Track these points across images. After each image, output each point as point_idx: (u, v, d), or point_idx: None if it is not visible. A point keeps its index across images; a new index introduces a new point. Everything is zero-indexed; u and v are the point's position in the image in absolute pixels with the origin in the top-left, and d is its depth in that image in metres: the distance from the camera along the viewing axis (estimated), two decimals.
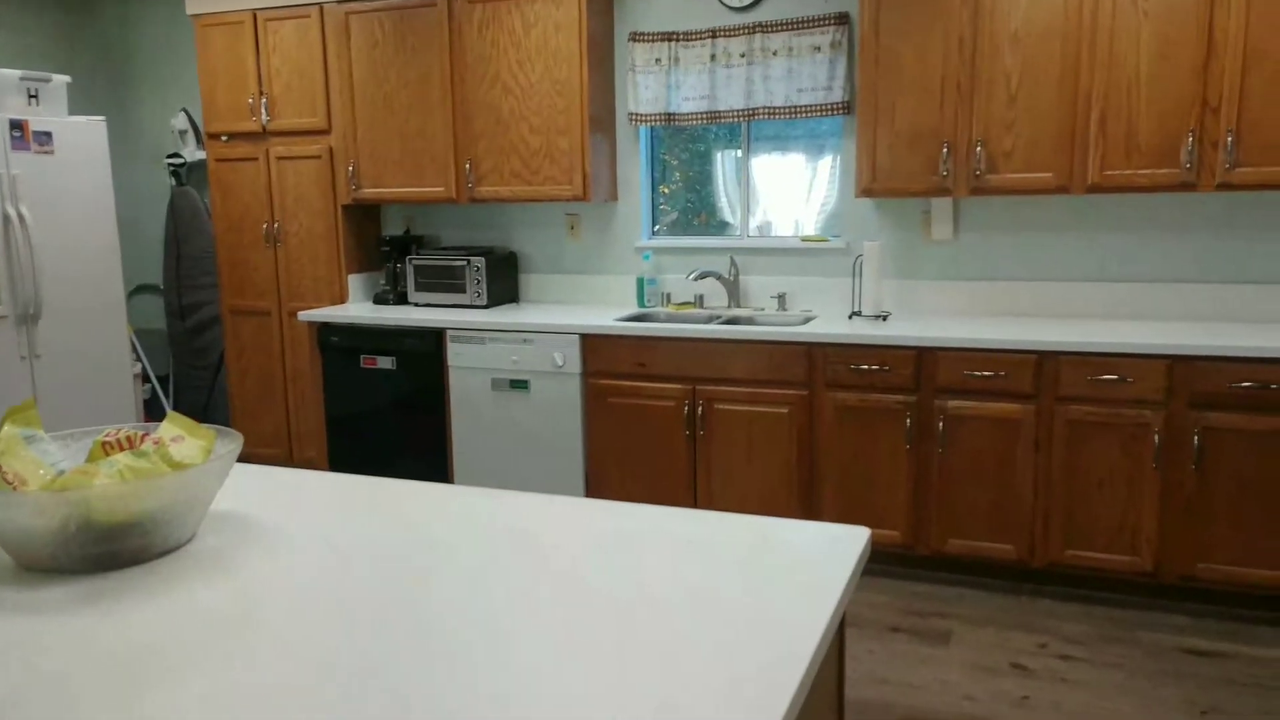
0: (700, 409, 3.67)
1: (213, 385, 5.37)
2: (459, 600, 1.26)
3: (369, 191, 4.46)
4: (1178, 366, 3.06)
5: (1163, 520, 3.14)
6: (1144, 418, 3.11)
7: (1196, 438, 3.06)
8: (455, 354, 4.07)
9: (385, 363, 4.22)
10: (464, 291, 4.36)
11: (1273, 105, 3.09)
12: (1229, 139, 3.14)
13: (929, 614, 3.25)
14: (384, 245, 4.59)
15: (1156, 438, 3.10)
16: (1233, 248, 3.49)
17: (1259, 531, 3.04)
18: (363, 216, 4.71)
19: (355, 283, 4.63)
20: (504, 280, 4.51)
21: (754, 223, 4.29)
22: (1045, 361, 3.21)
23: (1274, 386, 2.96)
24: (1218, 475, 3.06)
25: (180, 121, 5.25)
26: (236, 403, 4.84)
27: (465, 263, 4.34)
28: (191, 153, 5.24)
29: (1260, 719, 2.57)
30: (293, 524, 1.56)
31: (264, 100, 4.55)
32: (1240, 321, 3.46)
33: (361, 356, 4.26)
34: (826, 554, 1.41)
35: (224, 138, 4.69)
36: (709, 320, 3.95)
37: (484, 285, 4.34)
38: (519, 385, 3.98)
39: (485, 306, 4.36)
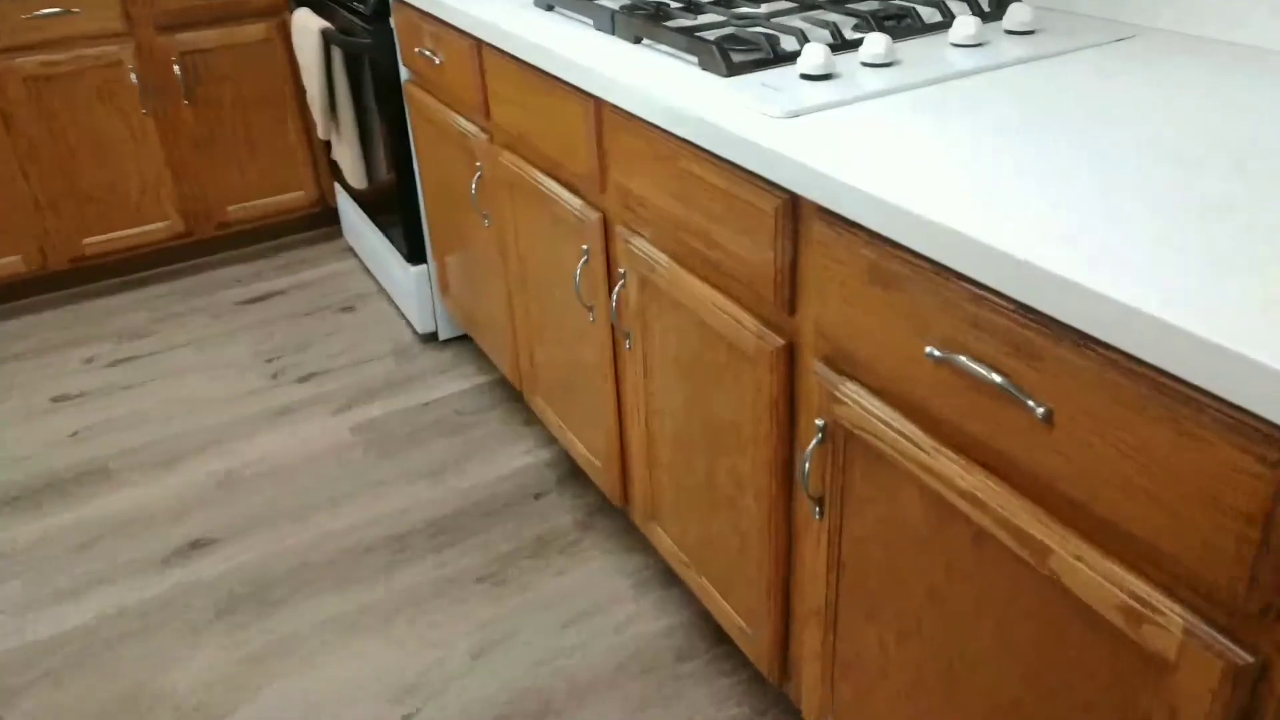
0: None
1: None
2: None
3: None
4: None
5: (176, 172, 2.76)
6: (113, 55, 2.57)
7: (178, 67, 2.65)
8: None
9: None
10: None
11: None
12: None
13: None
14: None
15: (134, 77, 2.61)
16: None
17: (269, 157, 2.86)
18: None
19: None
20: None
21: None
22: None
23: None
24: (214, 105, 2.75)
25: None
26: None
27: None
28: None
29: (313, 339, 2.55)
30: None
31: None
32: None
33: None
34: None
35: None
36: None
37: None
38: None
39: None
